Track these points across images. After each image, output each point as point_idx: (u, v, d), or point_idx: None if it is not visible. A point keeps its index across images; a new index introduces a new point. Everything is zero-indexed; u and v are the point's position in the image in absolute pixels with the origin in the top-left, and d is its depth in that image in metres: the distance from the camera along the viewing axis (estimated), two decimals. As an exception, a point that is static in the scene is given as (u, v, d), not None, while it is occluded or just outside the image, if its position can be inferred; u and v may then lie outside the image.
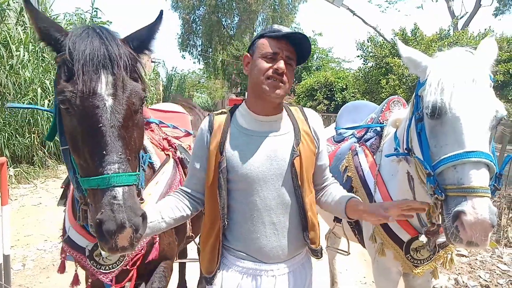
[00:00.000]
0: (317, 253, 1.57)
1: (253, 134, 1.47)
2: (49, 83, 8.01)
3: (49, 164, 8.04)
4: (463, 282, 3.80)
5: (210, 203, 1.49)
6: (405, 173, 1.72)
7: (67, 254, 1.74)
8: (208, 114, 1.58)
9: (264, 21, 33.89)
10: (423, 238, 1.75)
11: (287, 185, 1.45)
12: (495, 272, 4.01)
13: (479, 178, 1.18)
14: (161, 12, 1.42)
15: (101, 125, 1.15)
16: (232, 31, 35.25)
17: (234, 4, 33.39)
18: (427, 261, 1.82)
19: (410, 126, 1.50)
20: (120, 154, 1.16)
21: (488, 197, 1.17)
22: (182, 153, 2.20)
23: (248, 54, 1.50)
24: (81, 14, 10.62)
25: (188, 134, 2.53)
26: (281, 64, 1.38)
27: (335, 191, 1.61)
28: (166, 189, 1.82)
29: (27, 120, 7.79)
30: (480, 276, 3.92)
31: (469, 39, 12.52)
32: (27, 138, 7.82)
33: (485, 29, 13.85)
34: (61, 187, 2.04)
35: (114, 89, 1.19)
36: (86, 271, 1.76)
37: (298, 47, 1.43)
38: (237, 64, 28.67)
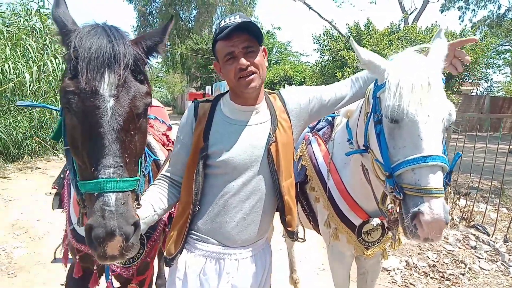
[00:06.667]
0: (293, 235, 1.63)
1: (236, 123, 1.51)
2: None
3: (-5, 164, 7.55)
4: (413, 263, 4.04)
5: (185, 188, 1.52)
6: (358, 164, 1.80)
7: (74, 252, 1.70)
8: (193, 101, 1.61)
9: (223, 14, 33.50)
10: (373, 222, 1.86)
11: (264, 170, 1.50)
12: (442, 253, 4.30)
13: (435, 180, 1.27)
14: (172, 16, 1.37)
15: (100, 127, 1.09)
16: (190, 24, 34.59)
17: (191, -3, 32.79)
18: (377, 243, 1.93)
19: (368, 125, 1.55)
20: (117, 159, 1.10)
21: (443, 197, 1.27)
22: None
23: (216, 62, 1.53)
24: (26, 4, 9.97)
25: (170, 128, 2.54)
26: (241, 61, 1.41)
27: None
28: None
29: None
30: (428, 257, 4.19)
31: (418, 33, 13.18)
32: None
33: (432, 24, 14.65)
34: (53, 188, 1.99)
35: (117, 90, 1.13)
36: (92, 266, 1.73)
37: (251, 31, 1.43)
38: (196, 57, 28.23)
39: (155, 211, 1.44)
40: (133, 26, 35.15)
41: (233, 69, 1.43)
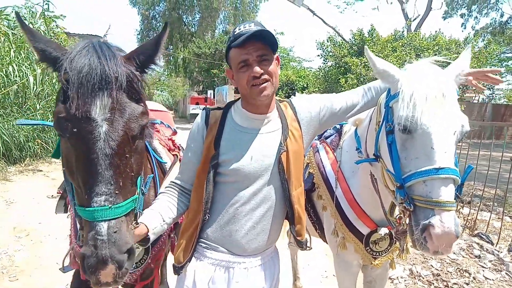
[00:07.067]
0: (302, 245, 1.61)
1: (247, 131, 1.50)
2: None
3: (-3, 166, 7.54)
4: (417, 272, 4.01)
5: (194, 197, 1.51)
6: (367, 173, 1.79)
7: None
8: (204, 109, 1.59)
9: (226, 19, 33.75)
10: (381, 231, 1.84)
11: (275, 179, 1.49)
12: (445, 261, 4.26)
13: (447, 193, 1.25)
14: (166, 24, 1.34)
15: (93, 153, 1.06)
16: (193, 28, 34.79)
17: (195, 1, 32.95)
18: (385, 252, 1.91)
19: (379, 135, 1.54)
20: (110, 186, 1.08)
21: (454, 210, 1.25)
22: None
23: (229, 69, 1.52)
24: (31, 7, 9.99)
25: (175, 132, 2.55)
26: (255, 69, 1.40)
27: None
28: None
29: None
30: (432, 266, 4.15)
31: (421, 40, 13.20)
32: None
33: (436, 31, 14.66)
34: (58, 193, 1.98)
35: (110, 113, 1.08)
36: None
37: (265, 39, 1.42)
38: (199, 62, 28.32)
39: (164, 221, 1.43)
40: (137, 29, 35.41)
41: (246, 76, 1.42)
